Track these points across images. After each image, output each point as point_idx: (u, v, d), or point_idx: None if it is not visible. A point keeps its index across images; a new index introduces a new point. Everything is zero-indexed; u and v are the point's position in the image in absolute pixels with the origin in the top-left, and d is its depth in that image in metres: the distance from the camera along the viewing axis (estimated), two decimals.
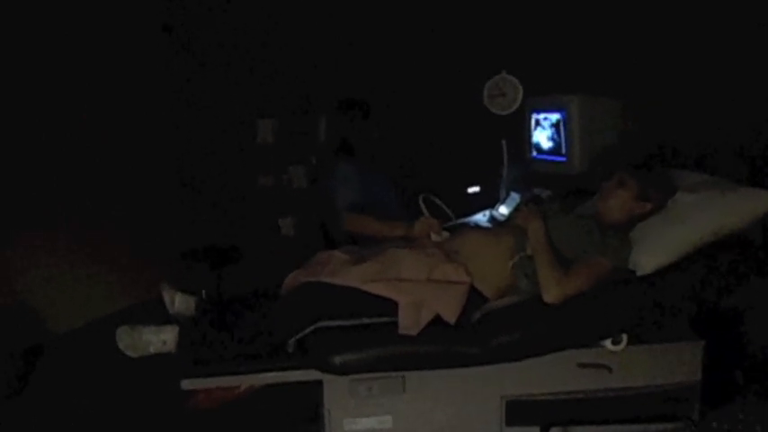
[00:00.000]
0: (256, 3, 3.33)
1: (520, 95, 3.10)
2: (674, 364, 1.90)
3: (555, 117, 2.61)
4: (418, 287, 1.78)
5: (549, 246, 1.83)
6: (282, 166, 3.52)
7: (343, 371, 1.74)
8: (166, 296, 1.99)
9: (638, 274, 1.79)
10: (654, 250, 1.78)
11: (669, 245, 1.77)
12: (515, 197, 2.77)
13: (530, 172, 2.85)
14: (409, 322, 1.73)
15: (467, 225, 2.55)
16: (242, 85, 3.43)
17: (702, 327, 1.94)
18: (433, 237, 2.02)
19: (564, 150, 2.57)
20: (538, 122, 2.76)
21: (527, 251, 1.86)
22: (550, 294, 1.75)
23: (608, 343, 1.83)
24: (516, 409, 1.89)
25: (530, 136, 2.82)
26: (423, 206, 2.06)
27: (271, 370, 1.80)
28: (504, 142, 3.06)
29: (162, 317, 1.95)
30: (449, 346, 1.74)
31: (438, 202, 2.07)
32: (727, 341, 2.16)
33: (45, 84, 2.81)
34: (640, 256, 1.79)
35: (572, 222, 1.95)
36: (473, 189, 3.19)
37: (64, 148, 2.90)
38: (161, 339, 1.78)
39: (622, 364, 1.87)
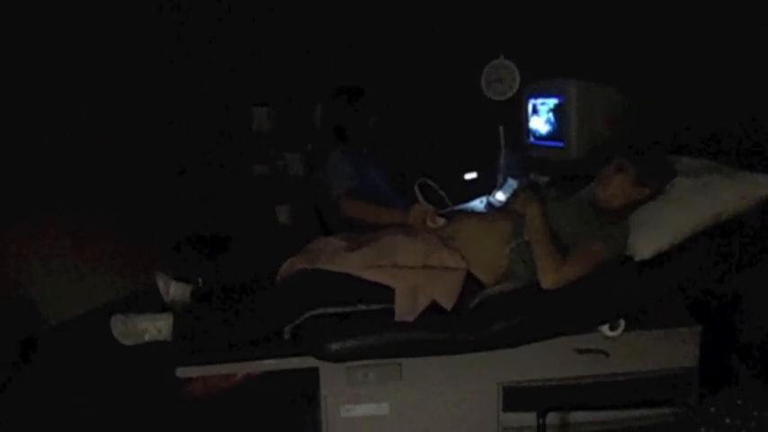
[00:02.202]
0: None
1: (517, 81, 3.07)
2: (672, 349, 1.89)
3: (552, 102, 2.59)
4: (415, 273, 1.77)
5: (546, 231, 1.82)
6: (278, 154, 3.50)
7: (339, 358, 1.73)
8: (161, 284, 1.98)
9: (636, 259, 1.78)
10: (652, 235, 1.76)
11: (668, 230, 1.76)
12: (512, 183, 2.76)
13: (527, 158, 2.83)
14: (405, 309, 1.71)
15: (463, 211, 2.54)
16: (237, 72, 3.40)
17: (700, 312, 1.94)
18: (429, 223, 2.00)
19: (562, 136, 2.55)
20: (535, 108, 2.73)
21: (524, 237, 1.85)
22: (547, 280, 1.74)
23: (605, 328, 1.83)
24: (513, 395, 1.89)
25: (527, 121, 2.80)
26: (418, 192, 2.03)
27: (267, 357, 1.79)
28: (501, 128, 3.04)
29: (157, 305, 1.94)
30: (445, 332, 1.73)
31: (434, 186, 2.04)
32: (724, 326, 2.16)
33: (43, 76, 2.79)
34: (638, 242, 1.78)
35: (570, 208, 1.93)
36: (470, 175, 3.17)
37: (56, 139, 2.88)
38: (156, 327, 1.77)
39: (619, 350, 1.86)
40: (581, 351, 1.85)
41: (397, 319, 1.71)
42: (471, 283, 1.81)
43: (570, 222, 1.86)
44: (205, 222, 3.36)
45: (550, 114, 2.62)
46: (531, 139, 2.79)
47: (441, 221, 1.99)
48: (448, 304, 1.73)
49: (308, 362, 1.78)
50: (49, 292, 2.81)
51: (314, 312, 1.74)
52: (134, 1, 3.18)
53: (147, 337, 1.78)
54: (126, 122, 3.20)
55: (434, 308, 1.73)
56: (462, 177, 3.15)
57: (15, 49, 2.68)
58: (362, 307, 1.76)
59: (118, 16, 3.10)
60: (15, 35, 2.68)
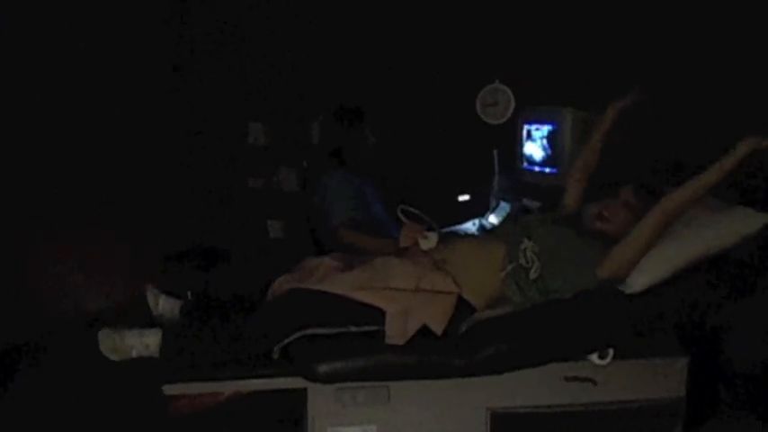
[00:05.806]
0: (250, 4, 3.32)
1: (512, 105, 3.10)
2: (660, 379, 1.90)
3: (547, 129, 2.62)
4: (406, 296, 1.77)
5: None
6: (273, 169, 3.50)
7: (328, 379, 1.72)
8: (151, 299, 1.96)
9: (627, 292, 1.80)
10: (643, 269, 1.78)
11: (659, 264, 1.77)
12: (505, 206, 2.78)
13: (520, 182, 2.86)
14: (396, 332, 1.71)
15: (457, 234, 2.55)
16: (234, 87, 3.41)
17: (688, 342, 1.95)
18: (422, 243, 1.98)
19: (555, 162, 2.57)
20: (529, 133, 2.76)
21: (519, 261, 1.85)
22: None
23: (594, 357, 1.83)
24: (501, 421, 1.88)
25: (521, 146, 2.83)
26: (402, 217, 2.05)
27: (255, 377, 1.77)
28: (495, 152, 3.07)
29: (146, 319, 1.93)
30: (435, 357, 1.73)
31: (415, 212, 2.05)
32: (712, 357, 2.17)
33: (50, 89, 2.81)
34: (630, 275, 1.79)
35: (568, 230, 1.94)
36: (463, 198, 3.19)
37: (49, 150, 2.88)
38: (144, 343, 1.75)
39: (607, 378, 1.86)
40: (570, 379, 1.86)
41: (387, 341, 1.71)
42: (462, 308, 1.82)
43: (571, 239, 1.87)
44: (197, 235, 3.34)
45: (545, 141, 2.65)
46: (525, 164, 2.82)
47: (433, 238, 1.98)
48: (438, 328, 1.73)
49: (296, 382, 1.77)
50: (33, 304, 2.78)
51: (304, 333, 1.74)
52: (131, 15, 3.20)
53: (134, 353, 1.76)
54: (120, 134, 3.19)
55: (425, 332, 1.73)
56: (456, 199, 3.17)
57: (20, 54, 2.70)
58: (353, 328, 1.75)
59: (116, 29, 3.12)
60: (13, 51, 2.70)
